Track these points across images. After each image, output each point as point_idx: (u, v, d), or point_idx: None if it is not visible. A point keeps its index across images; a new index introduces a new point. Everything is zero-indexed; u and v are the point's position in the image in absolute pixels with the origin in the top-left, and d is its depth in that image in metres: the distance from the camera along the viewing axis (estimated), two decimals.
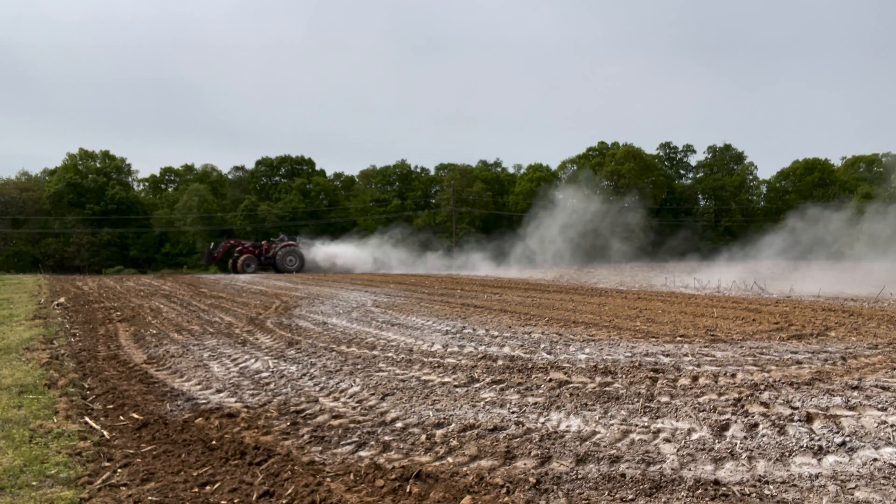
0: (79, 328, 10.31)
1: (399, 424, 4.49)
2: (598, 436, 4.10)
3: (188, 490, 3.47)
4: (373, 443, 4.12)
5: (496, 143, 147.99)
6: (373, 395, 5.36)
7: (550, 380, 5.64)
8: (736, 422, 4.28)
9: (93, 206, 54.51)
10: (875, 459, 3.54)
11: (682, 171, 68.47)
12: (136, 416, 4.99)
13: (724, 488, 3.20)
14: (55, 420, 4.69)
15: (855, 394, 4.91)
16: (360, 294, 16.09)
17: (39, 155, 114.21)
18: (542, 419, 4.51)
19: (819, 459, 3.58)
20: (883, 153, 65.98)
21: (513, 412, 4.71)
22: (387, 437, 4.21)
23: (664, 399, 4.90)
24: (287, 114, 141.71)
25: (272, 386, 5.87)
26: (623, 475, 3.41)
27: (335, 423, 4.59)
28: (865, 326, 8.83)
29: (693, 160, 68.27)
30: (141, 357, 7.65)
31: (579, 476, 3.44)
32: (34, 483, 3.50)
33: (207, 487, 3.50)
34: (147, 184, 64.87)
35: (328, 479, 3.49)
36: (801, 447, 3.77)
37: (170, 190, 63.85)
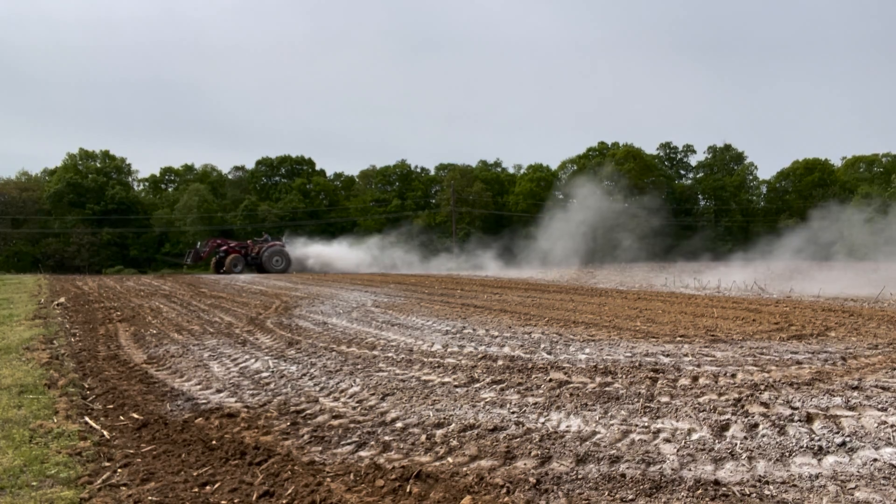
0: (79, 328, 10.31)
1: (399, 424, 4.49)
2: (598, 436, 4.10)
3: (188, 490, 3.47)
4: (373, 443, 4.12)
5: (496, 143, 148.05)
6: (373, 395, 5.36)
7: (550, 380, 5.64)
8: (736, 422, 4.28)
9: (93, 206, 54.52)
10: (875, 460, 3.54)
11: (682, 171, 68.47)
12: (136, 416, 4.99)
13: (724, 488, 3.20)
14: (55, 420, 4.69)
15: (855, 394, 4.91)
16: (360, 294, 16.09)
17: (39, 155, 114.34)
18: (542, 419, 4.51)
19: (819, 460, 3.58)
20: (883, 153, 65.98)
21: (513, 412, 4.71)
22: (387, 437, 4.21)
23: (664, 399, 4.90)
24: (287, 114, 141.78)
25: (272, 386, 5.87)
26: (623, 475, 3.41)
27: (335, 423, 4.59)
28: (865, 327, 8.83)
29: (693, 160, 68.32)
30: (141, 357, 7.65)
31: (579, 476, 3.44)
32: (34, 483, 3.50)
33: (207, 487, 3.50)
34: (147, 184, 64.90)
35: (328, 479, 3.49)
36: (802, 447, 3.77)
37: (170, 190, 63.87)
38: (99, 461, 3.91)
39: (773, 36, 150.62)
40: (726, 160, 67.01)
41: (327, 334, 8.89)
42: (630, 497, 3.15)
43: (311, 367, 6.64)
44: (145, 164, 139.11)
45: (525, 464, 3.64)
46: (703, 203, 66.48)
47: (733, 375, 5.65)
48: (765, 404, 4.67)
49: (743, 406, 4.65)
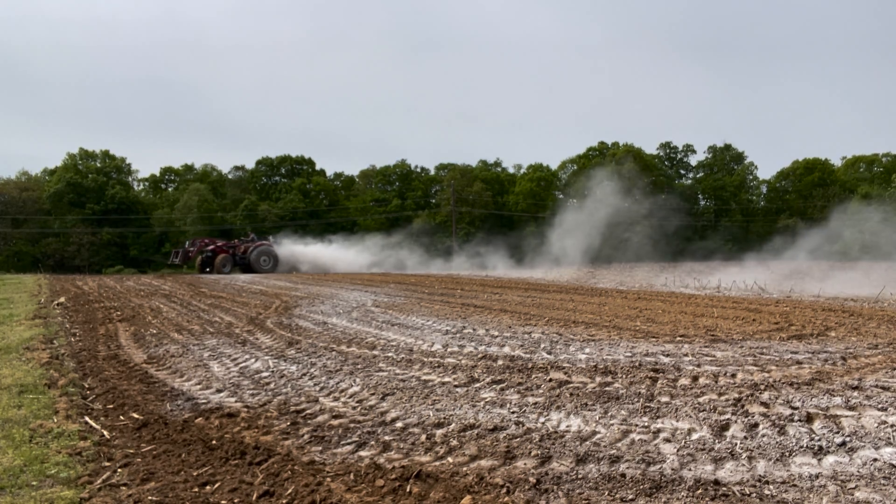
0: (79, 328, 10.31)
1: (399, 424, 4.49)
2: (598, 436, 4.10)
3: (188, 490, 3.47)
4: (373, 443, 4.12)
5: (496, 143, 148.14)
6: (373, 394, 5.36)
7: (550, 380, 5.64)
8: (736, 422, 4.28)
9: (93, 206, 54.52)
10: (875, 459, 3.54)
11: (682, 171, 68.47)
12: (136, 415, 4.99)
13: (724, 488, 3.20)
14: (55, 420, 4.69)
15: (855, 394, 4.91)
16: (360, 294, 16.09)
17: (39, 155, 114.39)
18: (542, 419, 4.51)
19: (819, 459, 3.58)
20: (883, 153, 65.97)
21: (513, 412, 4.71)
22: (387, 437, 4.21)
23: (664, 399, 4.90)
24: (287, 114, 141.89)
25: (272, 386, 5.87)
26: (623, 475, 3.41)
27: (335, 422, 4.59)
28: (865, 326, 8.83)
29: (693, 160, 68.31)
30: (141, 357, 7.64)
31: (579, 476, 3.44)
32: (34, 483, 3.50)
33: (207, 487, 3.50)
34: (147, 184, 64.90)
35: (328, 479, 3.49)
36: (802, 447, 3.77)
37: (170, 190, 63.87)
38: (99, 461, 3.91)
39: (773, 36, 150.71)
40: (726, 160, 67.00)
41: (327, 334, 8.89)
42: (630, 497, 3.15)
43: (311, 366, 6.63)
44: (145, 164, 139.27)
45: (525, 464, 3.64)
46: (703, 203, 66.47)
47: (733, 375, 5.65)
48: (765, 404, 4.67)
49: (743, 406, 4.65)
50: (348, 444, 4.12)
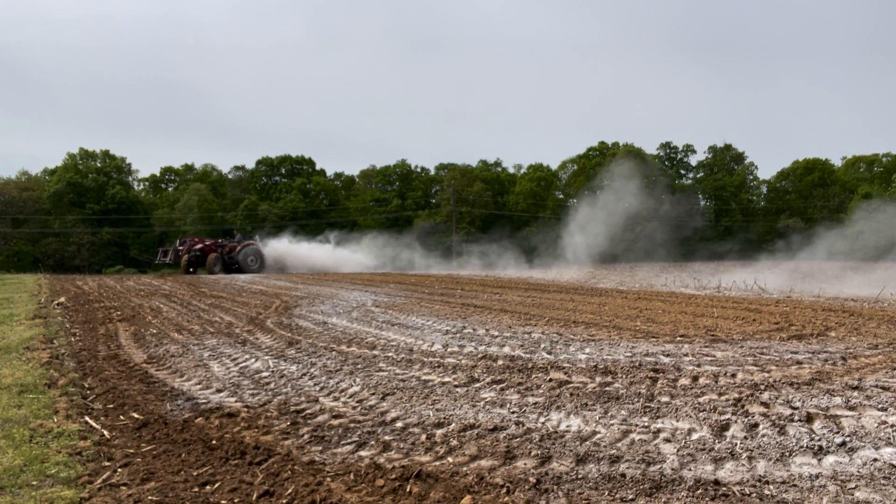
0: (79, 328, 10.31)
1: (399, 424, 4.49)
2: (599, 436, 4.10)
3: (188, 490, 3.47)
4: (373, 442, 4.12)
5: (496, 143, 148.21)
6: (373, 394, 5.36)
7: (550, 380, 5.64)
8: (736, 422, 4.28)
9: (93, 206, 54.53)
10: (875, 459, 3.54)
11: (683, 171, 68.48)
12: (136, 415, 4.99)
13: (724, 488, 3.20)
14: (55, 420, 4.69)
15: (855, 394, 4.91)
16: (361, 294, 16.09)
17: (39, 155, 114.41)
18: (542, 419, 4.51)
19: (819, 459, 3.58)
20: (883, 153, 65.97)
21: (513, 412, 4.71)
22: (387, 437, 4.21)
23: (664, 399, 4.89)
24: (287, 114, 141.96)
25: (272, 385, 5.87)
26: (623, 475, 3.41)
27: (335, 422, 4.59)
28: (866, 326, 8.83)
29: (693, 160, 68.32)
30: (141, 357, 7.65)
31: (579, 476, 3.44)
32: (34, 482, 3.50)
33: (207, 487, 3.50)
34: (147, 183, 64.91)
35: (328, 479, 3.49)
36: (802, 447, 3.77)
37: (170, 190, 63.88)
38: (99, 461, 3.91)
39: (773, 36, 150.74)
40: (726, 160, 67.02)
41: (327, 334, 8.89)
42: (630, 497, 3.15)
43: (311, 366, 6.63)
44: (145, 164, 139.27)
45: (525, 463, 3.64)
46: (703, 203, 66.49)
47: (733, 375, 5.65)
48: (765, 404, 4.67)
49: (743, 406, 4.65)
50: (348, 443, 4.12)
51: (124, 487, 3.50)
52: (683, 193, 59.53)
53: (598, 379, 5.62)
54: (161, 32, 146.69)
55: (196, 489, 3.48)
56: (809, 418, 4.31)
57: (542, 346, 7.43)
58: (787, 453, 3.68)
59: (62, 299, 15.35)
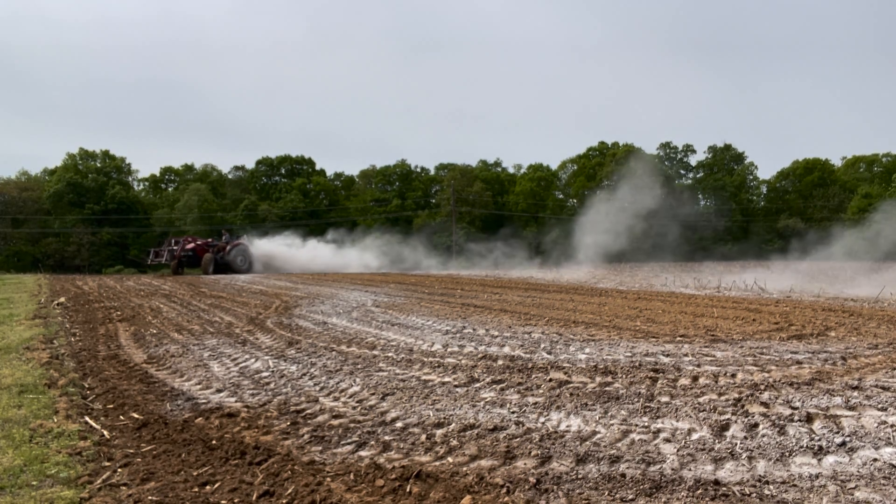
0: (79, 328, 10.31)
1: (399, 424, 4.49)
2: (598, 436, 4.10)
3: (188, 490, 3.47)
4: (373, 442, 4.12)
5: (496, 143, 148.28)
6: (373, 394, 5.36)
7: (550, 380, 5.64)
8: (736, 422, 4.28)
9: (93, 206, 54.53)
10: (875, 459, 3.54)
11: (682, 171, 68.48)
12: (136, 415, 4.99)
13: (724, 488, 3.20)
14: (55, 420, 4.69)
15: (855, 394, 4.91)
16: (361, 294, 16.09)
17: (39, 155, 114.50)
18: (542, 419, 4.51)
19: (819, 459, 3.58)
20: (883, 153, 65.98)
21: (513, 412, 4.71)
22: (387, 437, 4.21)
23: (664, 399, 4.89)
24: (287, 114, 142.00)
25: (272, 385, 5.87)
26: (623, 475, 3.41)
27: (335, 422, 4.59)
28: (865, 326, 8.83)
29: (693, 160, 68.32)
30: (141, 357, 7.65)
31: (579, 476, 3.44)
32: (34, 483, 3.50)
33: (207, 487, 3.50)
34: (147, 184, 64.91)
35: (328, 479, 3.49)
36: (802, 447, 3.77)
37: (170, 190, 63.88)
38: (99, 461, 3.91)
39: (772, 36, 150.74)
40: (726, 160, 67.02)
41: (327, 334, 8.89)
42: (630, 497, 3.15)
43: (311, 366, 6.63)
44: (145, 164, 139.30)
45: (525, 463, 3.64)
46: (703, 203, 66.50)
47: (733, 375, 5.65)
48: (765, 404, 4.67)
49: (743, 406, 4.65)
50: (348, 443, 4.12)
51: (124, 487, 3.50)
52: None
53: (598, 379, 5.62)
54: (161, 32, 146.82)
55: (196, 489, 3.48)
56: (809, 418, 4.31)
57: (542, 346, 7.43)
58: (787, 453, 3.68)
59: (62, 299, 15.35)
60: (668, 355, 6.71)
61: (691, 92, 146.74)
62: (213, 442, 4.23)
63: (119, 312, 12.54)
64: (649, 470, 3.48)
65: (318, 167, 67.07)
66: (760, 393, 4.99)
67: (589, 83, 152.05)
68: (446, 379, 5.83)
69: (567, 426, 4.32)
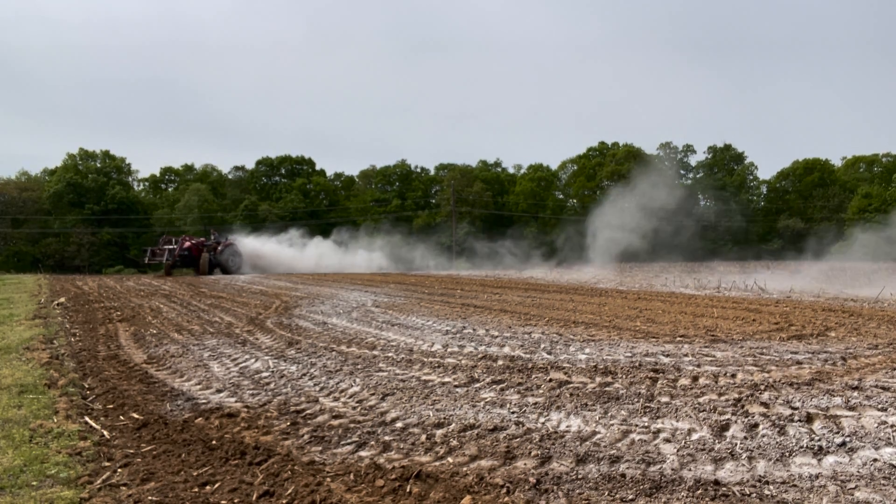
0: (79, 328, 10.31)
1: (399, 424, 4.49)
2: (599, 436, 4.09)
3: (188, 490, 3.47)
4: (373, 443, 4.12)
5: (496, 143, 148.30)
6: (373, 395, 5.36)
7: (550, 380, 5.64)
8: (736, 422, 4.28)
9: (93, 206, 54.53)
10: (875, 460, 3.54)
11: (683, 171, 68.47)
12: (136, 415, 4.99)
13: (724, 488, 3.20)
14: (55, 420, 4.69)
15: (855, 394, 4.91)
16: (360, 294, 16.09)
17: (39, 155, 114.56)
18: (542, 419, 4.51)
19: (819, 460, 3.58)
20: (883, 153, 65.98)
21: (513, 412, 4.71)
22: (387, 437, 4.21)
23: (664, 399, 4.89)
24: (287, 114, 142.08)
25: (272, 386, 5.87)
26: (623, 475, 3.41)
27: (335, 423, 4.59)
28: (865, 327, 8.83)
29: (693, 160, 68.31)
30: (141, 357, 7.65)
31: (579, 476, 3.44)
32: (34, 483, 3.50)
33: (207, 487, 3.50)
34: (147, 184, 64.91)
35: (328, 479, 3.49)
36: (802, 447, 3.77)
37: (170, 190, 63.88)
38: (99, 461, 3.91)
39: (773, 35, 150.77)
40: (726, 160, 67.01)
41: (327, 334, 8.89)
42: (630, 497, 3.15)
43: (311, 366, 6.63)
44: (145, 164, 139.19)
45: (525, 464, 3.64)
46: (703, 203, 66.48)
47: (733, 375, 5.65)
48: (765, 404, 4.67)
49: (743, 406, 4.65)
50: (348, 444, 4.12)
51: (124, 487, 3.50)
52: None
53: (598, 379, 5.62)
54: (161, 32, 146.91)
55: (196, 489, 3.48)
56: (809, 418, 4.31)
57: (542, 346, 7.43)
58: (787, 453, 3.68)
59: (62, 299, 15.35)
60: (668, 355, 6.71)
61: (691, 92, 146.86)
62: (213, 442, 4.23)
63: (119, 312, 12.54)
64: (649, 470, 3.48)
65: (318, 167, 67.09)
66: (760, 393, 4.99)
67: (589, 83, 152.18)
68: (446, 379, 5.83)
69: (567, 426, 4.32)
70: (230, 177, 66.70)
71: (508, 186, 66.40)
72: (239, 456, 3.94)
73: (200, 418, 4.83)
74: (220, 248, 32.99)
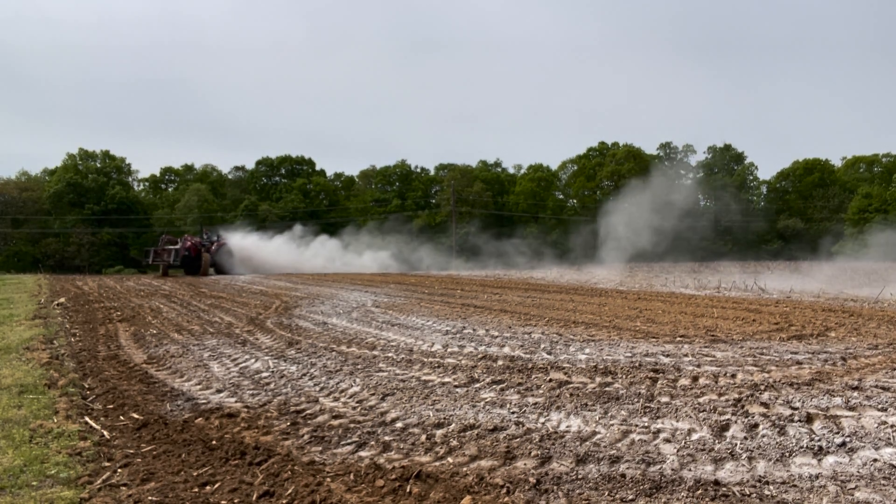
0: (79, 328, 10.31)
1: (399, 424, 4.49)
2: (598, 436, 4.09)
3: (188, 490, 3.47)
4: (373, 443, 4.12)
5: (496, 143, 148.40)
6: (373, 395, 5.36)
7: (550, 380, 5.64)
8: (736, 422, 4.28)
9: (93, 206, 54.53)
10: (875, 460, 3.54)
11: (682, 171, 68.48)
12: (136, 415, 4.99)
13: (724, 489, 3.20)
14: (55, 420, 4.69)
15: (855, 394, 4.91)
16: (360, 294, 16.09)
17: (39, 155, 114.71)
18: (542, 419, 4.51)
19: (819, 460, 3.58)
20: (883, 153, 65.99)
21: (513, 412, 4.71)
22: (387, 437, 4.21)
23: (664, 399, 4.89)
24: (287, 114, 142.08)
25: (272, 386, 5.87)
26: (623, 475, 3.41)
27: (335, 423, 4.59)
28: (865, 327, 8.83)
29: (693, 160, 68.33)
30: (141, 357, 7.65)
31: (579, 476, 3.44)
32: (34, 483, 3.50)
33: (207, 487, 3.50)
34: (147, 184, 64.93)
35: (328, 479, 3.49)
36: (802, 447, 3.77)
37: (170, 190, 63.89)
38: (99, 461, 3.91)
39: (773, 35, 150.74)
40: (726, 160, 67.02)
41: (327, 334, 8.89)
42: (630, 497, 3.15)
43: (311, 367, 6.64)
44: (145, 164, 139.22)
45: (525, 464, 3.64)
46: (703, 203, 66.50)
47: (733, 376, 5.65)
48: (765, 404, 4.67)
49: (743, 406, 4.65)
50: (348, 444, 4.12)
51: (124, 488, 3.50)
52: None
53: (598, 379, 5.62)
54: (161, 32, 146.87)
55: (196, 489, 3.48)
56: (809, 419, 4.31)
57: (542, 346, 7.43)
58: (787, 454, 3.68)
59: (62, 300, 15.35)
60: (668, 355, 6.71)
61: (691, 92, 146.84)
62: (213, 442, 4.23)
63: (119, 312, 12.54)
64: (649, 470, 3.48)
65: (318, 167, 67.11)
66: (760, 393, 4.99)
67: (589, 83, 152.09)
68: (446, 379, 5.83)
69: (567, 426, 4.32)
70: (230, 177, 66.73)
71: (508, 186, 66.42)
72: (239, 456, 3.94)
73: (200, 418, 4.83)
74: (214, 247, 32.85)
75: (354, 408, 4.98)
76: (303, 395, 5.47)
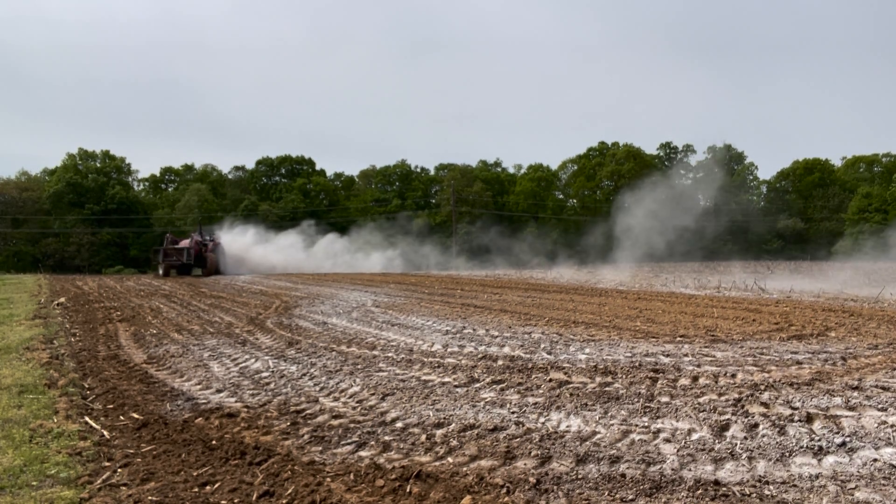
0: (79, 328, 10.31)
1: (399, 424, 4.49)
2: (599, 436, 4.09)
3: (188, 490, 3.47)
4: (373, 443, 4.12)
5: (496, 143, 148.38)
6: (373, 395, 5.36)
7: (550, 380, 5.64)
8: (736, 422, 4.28)
9: (93, 206, 54.51)
10: (875, 460, 3.54)
11: (682, 171, 68.45)
12: (136, 415, 4.99)
13: (724, 488, 3.20)
14: (55, 420, 4.69)
15: (855, 394, 4.91)
16: (360, 294, 16.09)
17: (39, 155, 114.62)
18: (542, 419, 4.51)
19: (819, 460, 3.58)
20: (883, 153, 65.98)
21: (513, 412, 4.70)
22: (387, 437, 4.21)
23: (664, 399, 4.89)
24: (287, 114, 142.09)
25: (272, 386, 5.87)
26: (623, 475, 3.41)
27: (335, 423, 4.59)
28: (865, 327, 8.83)
29: (693, 160, 68.30)
30: (141, 357, 7.64)
31: (579, 476, 3.44)
32: (34, 483, 3.50)
33: (207, 487, 3.50)
34: (147, 184, 64.89)
35: (328, 479, 3.49)
36: (802, 447, 3.77)
37: (170, 190, 63.87)
38: (99, 461, 3.91)
39: (773, 36, 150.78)
40: (726, 160, 66.99)
41: (327, 334, 8.88)
42: (630, 497, 3.15)
43: (311, 367, 6.63)
44: (145, 164, 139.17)
45: (525, 464, 3.64)
46: (702, 203, 66.46)
47: (733, 375, 5.65)
48: (765, 404, 4.67)
49: (743, 406, 4.65)
50: (348, 444, 4.12)
51: (124, 487, 3.50)
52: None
53: (598, 379, 5.62)
54: (161, 32, 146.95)
55: (196, 489, 3.48)
56: (809, 418, 4.31)
57: (542, 346, 7.43)
58: (787, 453, 3.68)
59: (62, 299, 15.35)
60: (668, 355, 6.71)
61: (691, 92, 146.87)
62: (213, 442, 4.23)
63: (119, 312, 12.54)
64: (649, 470, 3.48)
65: (318, 167, 67.07)
66: (760, 393, 4.99)
67: (589, 83, 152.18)
68: (446, 379, 5.83)
69: (567, 426, 4.32)
70: (230, 177, 66.70)
71: (508, 186, 66.39)
72: (239, 456, 3.94)
73: (200, 418, 4.83)
74: (210, 247, 32.81)
75: (354, 408, 4.98)
76: (303, 394, 5.47)
